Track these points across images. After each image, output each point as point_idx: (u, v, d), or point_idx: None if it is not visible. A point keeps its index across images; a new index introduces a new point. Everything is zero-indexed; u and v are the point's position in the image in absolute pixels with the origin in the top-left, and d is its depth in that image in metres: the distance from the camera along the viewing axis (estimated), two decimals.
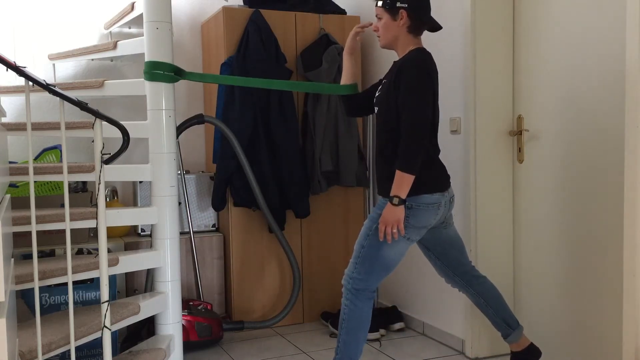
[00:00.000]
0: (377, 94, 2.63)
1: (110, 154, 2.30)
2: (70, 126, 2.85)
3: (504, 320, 2.74)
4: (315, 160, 3.74)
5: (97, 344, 2.76)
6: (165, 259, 2.90)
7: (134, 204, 3.83)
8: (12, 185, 3.22)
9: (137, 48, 3.02)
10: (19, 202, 2.93)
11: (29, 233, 2.02)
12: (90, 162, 2.81)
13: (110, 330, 2.13)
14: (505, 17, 3.16)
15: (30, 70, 1.97)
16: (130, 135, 2.36)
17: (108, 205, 3.56)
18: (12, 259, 2.10)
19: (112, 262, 2.70)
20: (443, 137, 3.20)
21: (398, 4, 2.48)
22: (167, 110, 2.89)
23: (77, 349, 2.56)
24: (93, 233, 3.43)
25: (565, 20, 2.83)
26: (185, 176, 3.83)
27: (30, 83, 1.95)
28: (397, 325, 3.70)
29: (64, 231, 2.76)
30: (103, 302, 2.12)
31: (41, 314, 2.06)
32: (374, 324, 3.58)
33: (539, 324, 3.06)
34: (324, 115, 3.73)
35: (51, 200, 3.26)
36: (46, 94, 2.11)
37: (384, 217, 2.42)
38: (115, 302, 2.74)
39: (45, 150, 3.51)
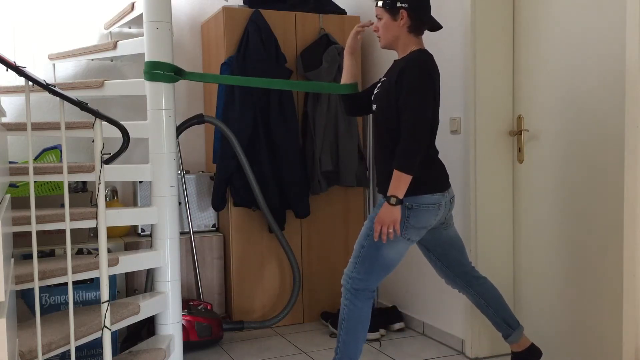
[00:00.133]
0: (375, 92, 2.63)
1: (110, 154, 2.30)
2: (70, 126, 2.85)
3: (504, 320, 2.74)
4: (315, 160, 3.74)
5: (97, 344, 2.75)
6: (165, 259, 2.90)
7: (134, 204, 3.83)
8: (12, 185, 3.22)
9: (137, 48, 3.02)
10: (19, 202, 2.93)
11: (29, 233, 2.02)
12: (90, 162, 2.81)
13: (110, 330, 2.13)
14: (505, 17, 3.16)
15: (30, 70, 1.97)
16: (130, 135, 2.36)
17: (108, 205, 3.56)
18: (12, 259, 2.10)
19: (112, 262, 2.70)
20: (443, 137, 3.20)
21: (398, 4, 2.48)
22: (167, 110, 2.89)
23: (77, 349, 2.56)
24: (93, 233, 3.43)
25: (565, 20, 2.83)
26: (185, 176, 3.83)
27: (30, 83, 1.95)
28: (397, 325, 3.70)
29: (64, 231, 2.76)
30: (103, 302, 2.12)
31: (41, 314, 2.06)
32: (374, 324, 3.58)
33: (539, 323, 3.06)
34: (324, 115, 3.73)
35: (51, 200, 3.26)
36: (46, 94, 2.11)
37: (380, 216, 2.41)
38: (115, 302, 2.74)
39: (45, 150, 3.51)
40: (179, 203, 3.19)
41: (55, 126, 2.92)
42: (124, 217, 2.98)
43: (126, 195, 3.93)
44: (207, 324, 3.39)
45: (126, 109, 3.91)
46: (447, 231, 2.68)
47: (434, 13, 2.62)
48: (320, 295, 3.96)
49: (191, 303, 3.49)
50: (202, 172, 4.03)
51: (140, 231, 3.71)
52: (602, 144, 2.66)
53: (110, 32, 3.90)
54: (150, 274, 3.35)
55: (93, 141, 2.12)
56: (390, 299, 3.97)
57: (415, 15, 2.50)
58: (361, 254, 2.52)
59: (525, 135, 3.10)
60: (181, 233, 3.18)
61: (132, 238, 3.67)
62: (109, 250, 2.80)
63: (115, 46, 3.28)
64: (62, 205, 3.06)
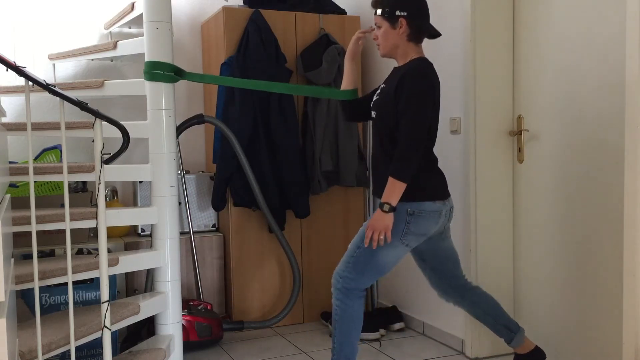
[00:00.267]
0: (374, 99, 2.63)
1: (110, 154, 2.30)
2: (70, 126, 2.85)
3: (504, 326, 2.73)
4: (315, 160, 3.74)
5: (97, 344, 2.75)
6: (165, 259, 2.90)
7: (134, 204, 3.83)
8: (12, 185, 3.22)
9: (137, 48, 3.02)
10: (19, 202, 2.93)
11: (29, 233, 2.02)
12: (90, 162, 2.81)
13: (110, 330, 2.13)
14: (505, 17, 3.16)
15: (30, 70, 1.97)
16: (130, 135, 2.36)
17: (108, 205, 3.56)
18: (12, 259, 2.10)
19: (112, 262, 2.70)
20: (443, 137, 3.20)
21: (397, 13, 2.47)
22: (167, 110, 2.89)
23: (77, 349, 2.56)
24: (93, 233, 3.43)
25: (565, 20, 2.83)
26: (185, 176, 3.83)
27: (30, 83, 1.95)
28: (397, 325, 3.70)
29: (64, 231, 2.76)
30: (103, 302, 2.12)
31: (41, 314, 2.05)
32: (374, 324, 3.59)
33: (539, 323, 3.06)
34: (324, 115, 3.73)
35: (51, 200, 3.26)
36: (46, 94, 2.11)
37: (372, 223, 2.40)
38: (115, 302, 2.74)
39: (45, 150, 3.51)
40: (179, 203, 3.19)
41: (55, 126, 2.92)
42: (124, 217, 2.98)
43: (126, 195, 3.93)
44: (207, 324, 3.39)
45: (126, 109, 3.91)
46: (444, 242, 2.67)
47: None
48: (320, 295, 3.95)
49: (191, 303, 3.49)
50: (202, 172, 4.03)
51: (140, 231, 3.71)
52: (602, 144, 2.66)
53: (110, 32, 3.90)
54: (150, 274, 3.35)
55: (93, 141, 2.12)
56: (390, 299, 3.97)
57: (415, 23, 2.49)
58: (356, 254, 2.51)
59: (525, 135, 3.10)
60: (181, 233, 3.18)
61: (132, 238, 3.67)
62: (109, 250, 2.80)
63: (115, 46, 3.28)
64: (62, 205, 3.06)
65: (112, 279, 3.09)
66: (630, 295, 2.43)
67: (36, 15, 3.79)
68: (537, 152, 3.04)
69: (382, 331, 3.60)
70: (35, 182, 3.11)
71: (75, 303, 3.04)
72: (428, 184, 2.49)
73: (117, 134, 2.34)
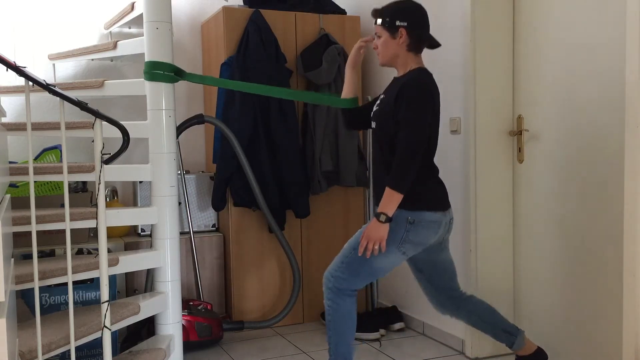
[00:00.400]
0: (374, 109, 2.62)
1: (110, 154, 2.30)
2: (70, 126, 2.85)
3: (504, 330, 2.72)
4: (315, 160, 3.74)
5: (97, 344, 2.75)
6: (165, 259, 2.90)
7: (134, 204, 3.83)
8: (12, 185, 3.22)
9: (137, 48, 3.02)
10: (19, 202, 2.93)
11: (29, 233, 2.01)
12: (90, 162, 2.81)
13: (110, 330, 2.13)
14: (505, 17, 3.16)
15: (30, 70, 1.97)
16: (130, 135, 2.36)
17: (108, 205, 3.56)
18: (12, 259, 2.10)
19: (112, 262, 2.70)
20: (443, 137, 3.19)
21: (397, 23, 2.47)
22: (167, 110, 2.89)
23: (77, 349, 2.56)
24: (93, 233, 3.43)
25: (566, 20, 2.83)
26: (185, 176, 3.83)
27: (30, 83, 1.95)
28: (397, 325, 3.70)
29: (64, 231, 2.76)
30: (103, 302, 2.12)
31: (41, 314, 2.05)
32: (374, 324, 3.59)
33: (539, 323, 3.06)
34: (324, 115, 3.73)
35: (51, 200, 3.26)
36: (46, 94, 2.11)
37: (367, 232, 2.40)
38: (115, 302, 2.74)
39: (45, 150, 3.51)
40: (179, 203, 3.19)
41: (55, 126, 2.92)
42: (124, 217, 2.98)
43: (126, 195, 3.93)
44: (207, 324, 3.39)
45: (126, 109, 3.91)
46: (442, 254, 2.66)
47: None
48: (320, 295, 3.90)
49: (191, 303, 3.49)
50: (202, 172, 4.03)
51: (140, 231, 3.71)
52: (602, 144, 2.66)
53: (110, 32, 3.90)
54: (150, 274, 3.35)
55: (93, 141, 2.12)
56: (390, 299, 3.97)
57: (415, 33, 2.48)
58: (351, 255, 2.51)
59: (525, 135, 3.10)
60: (181, 233, 3.18)
61: (132, 238, 3.67)
62: (109, 250, 2.80)
63: (115, 46, 3.28)
64: (62, 205, 3.06)
65: (112, 279, 3.09)
66: (630, 295, 2.43)
67: (36, 15, 3.79)
68: (537, 152, 3.04)
69: (382, 331, 3.60)
70: (35, 182, 3.11)
71: (75, 303, 3.04)
72: (429, 194, 2.49)
73: (117, 134, 2.34)
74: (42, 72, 3.74)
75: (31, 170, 1.99)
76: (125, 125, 2.35)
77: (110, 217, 2.75)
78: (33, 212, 1.99)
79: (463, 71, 3.19)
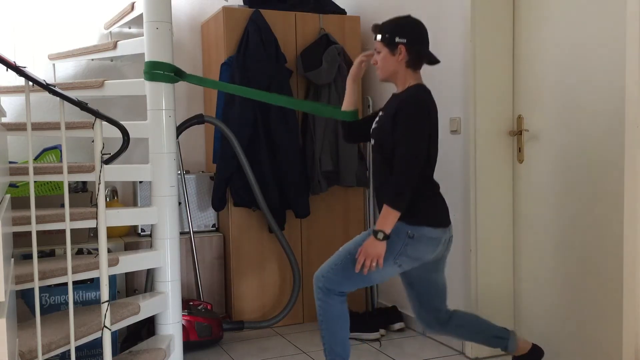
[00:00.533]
0: (374, 126, 2.61)
1: (110, 154, 2.30)
2: (70, 126, 2.85)
3: (495, 336, 2.71)
4: (315, 160, 3.74)
5: (97, 344, 2.75)
6: (165, 259, 2.90)
7: (134, 204, 3.83)
8: (12, 185, 3.22)
9: (137, 48, 3.02)
10: (19, 202, 2.93)
11: (29, 233, 2.02)
12: (90, 162, 2.81)
13: (110, 330, 2.13)
14: (505, 17, 3.16)
15: (30, 70, 1.97)
16: (130, 135, 2.36)
17: (108, 205, 3.56)
18: (12, 259, 2.10)
19: (112, 262, 2.70)
20: (443, 137, 3.20)
21: (397, 39, 2.46)
22: (167, 110, 2.89)
23: (77, 349, 2.56)
24: (93, 233, 3.43)
25: (566, 20, 2.83)
26: (185, 176, 3.83)
27: (30, 83, 1.95)
28: (397, 325, 3.70)
29: (64, 231, 2.76)
30: (103, 302, 2.12)
31: (41, 314, 2.05)
32: (374, 324, 3.59)
33: (539, 323, 3.06)
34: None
35: (51, 200, 3.26)
36: (46, 94, 2.11)
37: (365, 249, 2.39)
38: (115, 302, 2.74)
39: (45, 150, 3.52)
40: (179, 203, 3.19)
41: (55, 126, 2.92)
42: (124, 217, 2.98)
43: (126, 195, 3.93)
44: (207, 324, 3.39)
45: (126, 109, 3.91)
46: (436, 274, 2.64)
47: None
48: None
49: (191, 303, 3.49)
50: (202, 172, 4.03)
51: (140, 231, 3.71)
52: (602, 144, 2.66)
53: (110, 32, 3.90)
54: (150, 274, 3.35)
55: (93, 141, 2.12)
56: (390, 299, 3.97)
57: (414, 50, 2.48)
58: (346, 259, 2.50)
59: (525, 135, 3.10)
60: (181, 233, 3.18)
61: (132, 238, 3.67)
62: (109, 250, 2.80)
63: (115, 46, 3.28)
64: (62, 205, 3.06)
65: (112, 279, 3.08)
66: (630, 295, 2.43)
67: (36, 15, 3.79)
68: (537, 152, 3.04)
69: (382, 331, 3.60)
70: (35, 182, 3.11)
71: (75, 303, 3.04)
72: (431, 210, 2.48)
73: (117, 134, 2.34)
74: (42, 72, 3.74)
75: (31, 170, 1.99)
76: (125, 125, 2.34)
77: (110, 217, 2.75)
78: (33, 212, 1.99)
79: (463, 71, 3.19)
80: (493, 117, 3.17)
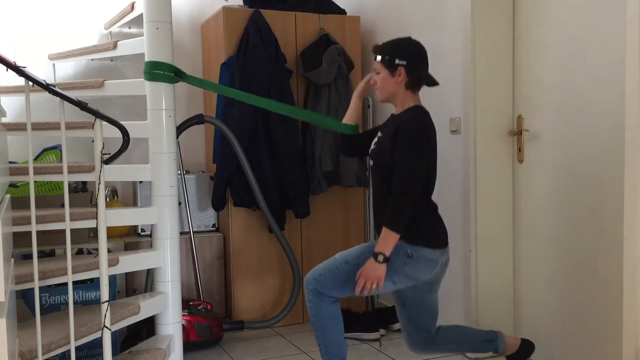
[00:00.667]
0: (372, 147, 2.61)
1: (110, 154, 2.30)
2: (70, 126, 2.86)
3: (483, 341, 2.70)
4: (315, 160, 3.74)
5: (97, 344, 2.75)
6: (165, 259, 2.90)
7: (134, 204, 3.83)
8: (12, 185, 3.22)
9: (137, 48, 3.02)
10: (19, 202, 2.93)
11: (29, 233, 2.02)
12: (90, 162, 2.81)
13: (110, 330, 2.13)
14: (505, 17, 3.16)
15: (30, 70, 1.97)
16: (130, 135, 2.36)
17: (108, 205, 3.56)
18: (12, 259, 2.10)
19: (112, 262, 2.70)
20: (443, 137, 3.20)
21: (397, 61, 2.46)
22: (167, 110, 2.89)
23: (77, 349, 2.56)
24: (93, 233, 3.43)
25: (566, 20, 2.83)
26: (185, 176, 3.83)
27: (30, 83, 1.95)
28: (397, 325, 3.69)
29: (64, 231, 2.76)
30: (103, 302, 2.12)
31: (41, 314, 2.05)
32: (374, 324, 3.59)
33: (539, 323, 3.06)
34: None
35: (51, 200, 3.26)
36: (46, 94, 2.11)
37: (365, 271, 2.38)
38: (115, 302, 2.74)
39: (45, 150, 3.52)
40: (179, 203, 3.19)
41: (55, 126, 2.92)
42: (124, 217, 2.98)
43: (126, 195, 3.93)
44: (207, 324, 3.39)
45: (126, 109, 3.91)
46: (430, 296, 2.62)
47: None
48: None
49: (191, 303, 3.49)
50: (202, 172, 4.03)
51: (140, 231, 3.71)
52: (602, 144, 2.66)
53: (110, 32, 3.90)
54: (150, 274, 3.35)
55: (93, 141, 2.12)
56: (390, 299, 3.97)
57: (414, 72, 2.48)
58: (342, 268, 2.50)
59: (525, 135, 3.10)
60: (181, 233, 3.18)
61: (132, 238, 3.67)
62: (109, 250, 2.80)
63: (115, 46, 3.28)
64: (62, 205, 3.06)
65: (112, 279, 3.09)
66: (630, 295, 2.43)
67: (36, 15, 3.79)
68: (537, 152, 3.04)
69: (382, 331, 3.60)
70: (35, 182, 3.11)
71: (75, 303, 3.04)
72: (430, 231, 2.48)
73: (117, 134, 2.34)
74: (42, 72, 3.74)
75: (31, 170, 1.99)
76: (125, 125, 2.34)
77: (110, 217, 2.75)
78: (33, 212, 1.99)
79: (463, 71, 3.19)
80: (493, 117, 3.17)
